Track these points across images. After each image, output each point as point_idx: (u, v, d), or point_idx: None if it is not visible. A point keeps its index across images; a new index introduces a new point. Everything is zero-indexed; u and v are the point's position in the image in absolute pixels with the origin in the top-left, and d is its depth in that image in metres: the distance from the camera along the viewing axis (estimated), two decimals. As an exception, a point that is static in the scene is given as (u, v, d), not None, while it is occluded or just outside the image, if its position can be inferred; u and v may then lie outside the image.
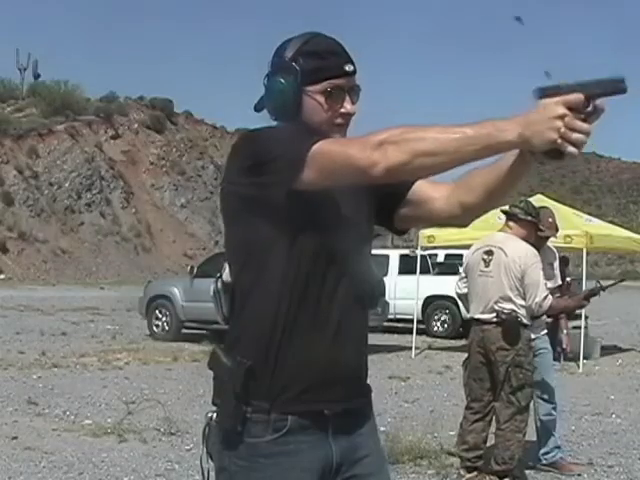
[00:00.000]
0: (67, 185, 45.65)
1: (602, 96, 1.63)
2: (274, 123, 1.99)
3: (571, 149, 1.61)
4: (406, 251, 17.97)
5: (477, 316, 5.36)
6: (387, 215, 2.05)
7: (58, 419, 7.29)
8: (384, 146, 1.67)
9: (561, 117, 1.60)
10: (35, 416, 7.38)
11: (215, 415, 1.96)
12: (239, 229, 1.92)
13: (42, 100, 49.27)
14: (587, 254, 12.15)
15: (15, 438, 6.44)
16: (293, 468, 1.88)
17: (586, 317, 13.04)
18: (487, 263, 5.32)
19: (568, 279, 11.22)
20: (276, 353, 1.87)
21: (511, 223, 5.40)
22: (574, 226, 12.26)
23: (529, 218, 5.34)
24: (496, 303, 5.24)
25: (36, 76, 53.61)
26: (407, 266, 16.75)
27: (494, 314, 5.24)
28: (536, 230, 5.45)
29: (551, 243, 6.08)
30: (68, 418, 7.34)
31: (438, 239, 13.17)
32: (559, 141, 1.61)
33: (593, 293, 5.74)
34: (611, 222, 17.60)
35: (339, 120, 1.93)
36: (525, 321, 5.22)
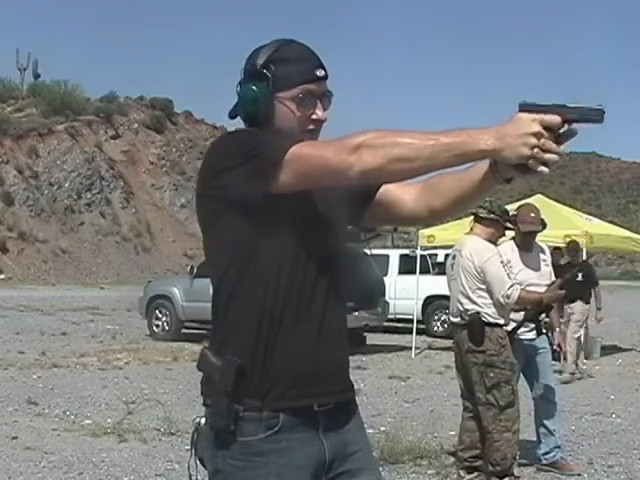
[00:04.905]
0: (67, 185, 45.66)
1: (578, 122, 1.68)
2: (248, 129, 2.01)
3: (542, 168, 1.68)
4: (406, 251, 18.00)
5: (451, 319, 5.53)
6: (356, 214, 2.10)
7: (58, 419, 7.29)
8: (360, 150, 1.71)
9: (535, 135, 1.65)
10: (35, 416, 7.38)
11: (204, 419, 1.97)
12: (220, 232, 1.93)
13: (42, 100, 49.28)
14: (587, 254, 12.15)
15: (15, 438, 6.44)
16: (287, 466, 1.89)
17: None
18: (452, 267, 5.47)
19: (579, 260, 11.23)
20: (264, 350, 1.89)
21: (475, 224, 5.43)
22: (574, 226, 12.28)
23: (491, 216, 5.34)
24: (461, 305, 5.31)
25: (36, 76, 53.64)
26: (407, 266, 16.77)
27: (460, 316, 5.32)
28: (503, 228, 5.43)
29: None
30: (68, 418, 7.35)
31: (438, 239, 13.18)
32: (531, 161, 1.66)
33: (567, 279, 5.76)
34: (611, 222, 17.60)
35: (310, 126, 1.96)
36: (492, 320, 5.20)
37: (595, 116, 1.67)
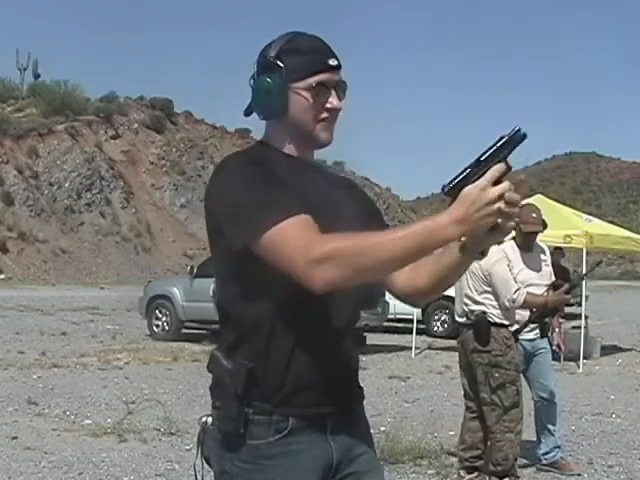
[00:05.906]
0: (67, 185, 45.65)
1: (511, 152, 1.63)
2: (263, 124, 2.01)
3: (511, 224, 1.66)
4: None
5: (456, 319, 5.54)
6: None
7: (58, 419, 7.29)
8: (323, 263, 1.70)
9: (498, 199, 1.61)
10: (35, 416, 7.38)
11: (211, 419, 1.96)
12: (223, 250, 1.92)
13: (42, 100, 49.27)
14: (587, 254, 12.14)
15: (15, 438, 6.44)
16: (295, 468, 1.88)
17: (586, 317, 13.04)
18: None
19: (570, 269, 11.22)
20: (275, 355, 1.87)
21: None
22: (574, 226, 12.27)
23: None
24: (466, 305, 5.31)
25: (36, 76, 53.64)
26: (407, 266, 16.75)
27: (466, 316, 5.33)
28: None
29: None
30: (68, 418, 7.35)
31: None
32: (500, 220, 1.64)
33: (574, 285, 5.77)
34: (611, 222, 17.58)
35: (325, 115, 1.94)
36: (498, 320, 5.21)
37: (519, 138, 1.62)
